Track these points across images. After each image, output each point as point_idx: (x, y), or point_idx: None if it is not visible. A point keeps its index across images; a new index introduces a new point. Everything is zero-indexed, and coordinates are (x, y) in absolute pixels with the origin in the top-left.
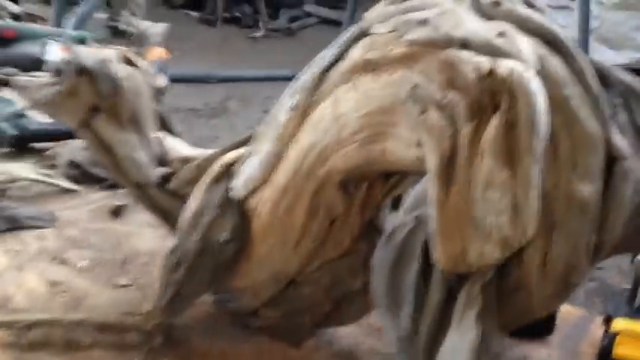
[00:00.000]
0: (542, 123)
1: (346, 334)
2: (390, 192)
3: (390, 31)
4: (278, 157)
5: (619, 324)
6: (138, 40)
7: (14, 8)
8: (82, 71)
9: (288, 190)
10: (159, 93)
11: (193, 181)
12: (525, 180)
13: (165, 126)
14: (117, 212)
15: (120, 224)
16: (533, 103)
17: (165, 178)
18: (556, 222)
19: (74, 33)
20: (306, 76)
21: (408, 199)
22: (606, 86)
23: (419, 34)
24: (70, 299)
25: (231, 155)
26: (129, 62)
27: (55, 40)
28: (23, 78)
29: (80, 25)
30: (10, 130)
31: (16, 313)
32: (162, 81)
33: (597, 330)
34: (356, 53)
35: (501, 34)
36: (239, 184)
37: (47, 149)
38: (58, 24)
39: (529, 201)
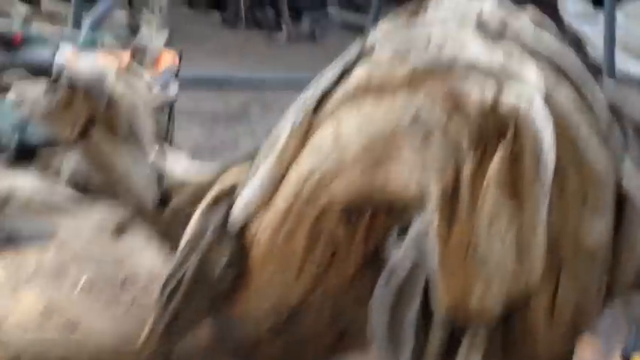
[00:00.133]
0: (548, 156)
1: None
2: (395, 222)
3: (393, 52)
4: (278, 180)
5: None
6: (137, 52)
7: (24, 11)
8: (77, 84)
9: (288, 216)
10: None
11: (193, 201)
12: (532, 215)
13: (166, 141)
14: (121, 230)
15: (122, 241)
16: (539, 135)
17: (165, 198)
18: (564, 262)
19: (85, 36)
20: (309, 95)
21: (409, 234)
22: (618, 119)
23: (422, 57)
24: (65, 322)
25: (232, 176)
26: (128, 74)
27: (65, 44)
28: (21, 87)
29: (96, 26)
30: (15, 138)
31: (8, 335)
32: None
33: None
34: (359, 74)
35: (507, 60)
36: (238, 208)
37: (52, 158)
38: (77, 23)
39: (536, 237)
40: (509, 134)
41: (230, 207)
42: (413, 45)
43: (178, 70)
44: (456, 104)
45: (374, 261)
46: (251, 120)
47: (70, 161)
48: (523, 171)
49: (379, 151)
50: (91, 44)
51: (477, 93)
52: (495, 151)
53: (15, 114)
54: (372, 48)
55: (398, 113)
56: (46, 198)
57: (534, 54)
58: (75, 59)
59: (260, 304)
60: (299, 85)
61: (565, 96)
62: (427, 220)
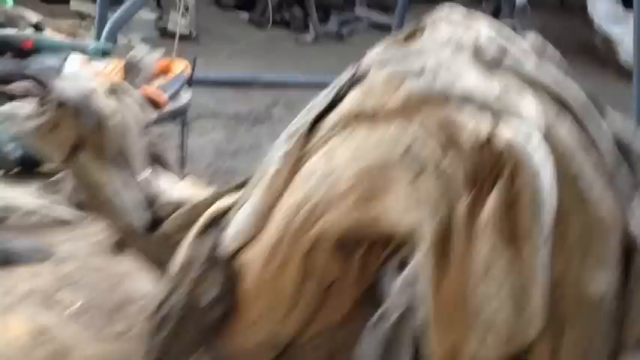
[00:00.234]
0: (546, 200)
1: None
2: (392, 256)
3: (387, 78)
4: (268, 209)
5: None
6: (131, 69)
7: (34, 18)
8: (64, 105)
9: (279, 248)
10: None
11: (184, 227)
12: (529, 265)
13: (158, 163)
14: (121, 245)
15: (119, 262)
16: (537, 178)
17: (154, 224)
18: (566, 317)
19: (96, 45)
20: (300, 121)
21: (399, 278)
22: (626, 157)
23: (416, 85)
24: (55, 349)
25: (225, 202)
26: (119, 93)
27: (75, 52)
28: (11, 105)
29: (112, 34)
30: (16, 151)
31: None
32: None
33: None
34: (351, 101)
35: (504, 92)
36: (229, 237)
37: (53, 173)
38: (102, 23)
39: (534, 289)
40: (506, 173)
41: (221, 234)
42: (408, 71)
43: (191, 78)
44: (450, 138)
45: (371, 295)
46: (274, 122)
47: (71, 178)
48: (521, 214)
49: (371, 183)
50: (103, 54)
51: (472, 127)
52: (491, 190)
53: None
54: (366, 72)
55: (391, 144)
56: (44, 215)
57: (533, 85)
58: (85, 68)
59: (252, 338)
60: (324, 87)
61: (566, 131)
62: (419, 263)
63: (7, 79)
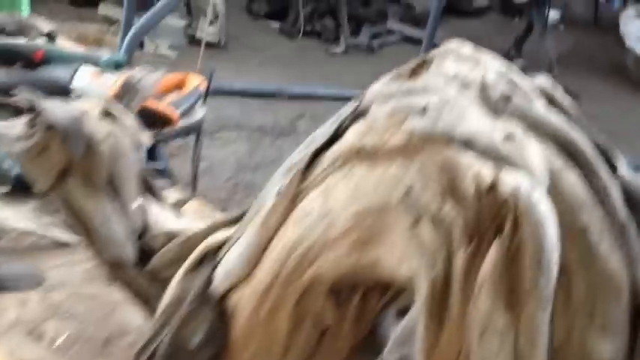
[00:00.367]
0: (551, 255)
1: None
2: (390, 304)
3: (389, 115)
4: (261, 248)
5: None
6: (128, 90)
7: (46, 27)
8: (53, 127)
9: (271, 291)
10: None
11: (175, 262)
12: (529, 327)
13: (151, 191)
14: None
15: (113, 290)
16: (541, 230)
17: (145, 256)
18: None
19: (109, 57)
20: (299, 155)
21: (397, 328)
22: (636, 213)
23: (418, 124)
24: None
25: (219, 236)
26: (112, 117)
27: (87, 64)
28: (2, 124)
29: (135, 41)
30: (13, 169)
31: None
32: (200, 112)
33: None
34: (352, 136)
35: (508, 138)
36: (220, 275)
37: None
38: (128, 29)
39: (535, 352)
40: (508, 224)
41: (213, 272)
42: (411, 108)
43: (207, 94)
44: (451, 183)
45: (369, 342)
46: (299, 135)
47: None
48: (522, 272)
49: (369, 227)
50: (116, 66)
51: (474, 173)
52: (492, 241)
53: None
54: (369, 106)
55: (390, 186)
56: (40, 237)
57: (541, 130)
58: (96, 81)
59: None
60: (350, 100)
61: (574, 181)
62: (414, 318)
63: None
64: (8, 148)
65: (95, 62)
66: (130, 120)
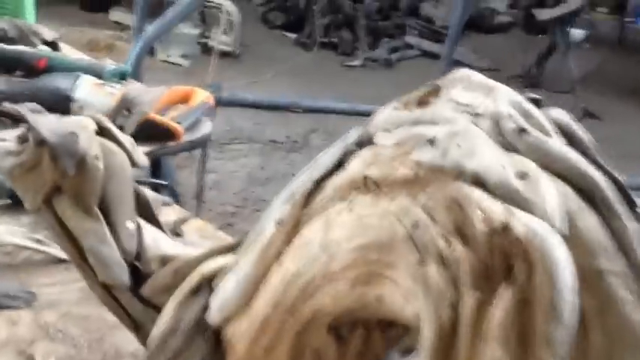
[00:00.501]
0: (566, 306)
1: None
2: (395, 342)
3: (395, 145)
4: (259, 279)
5: None
6: (125, 106)
7: (50, 35)
8: (43, 143)
9: (269, 324)
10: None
11: (170, 287)
12: None
13: (146, 212)
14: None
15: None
16: (557, 275)
17: (138, 282)
18: None
19: (114, 68)
20: (299, 184)
21: None
22: None
23: (425, 156)
24: None
25: (216, 263)
26: (107, 135)
27: (90, 74)
28: None
29: (145, 49)
30: (8, 182)
31: None
32: (206, 127)
33: None
34: (356, 165)
35: (522, 176)
36: (214, 306)
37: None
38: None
39: None
40: (521, 268)
41: (208, 300)
42: (418, 139)
43: (214, 109)
44: (459, 222)
45: None
46: (311, 150)
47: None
48: (536, 317)
49: (372, 263)
50: (120, 77)
51: (484, 211)
52: (503, 286)
53: None
54: (373, 135)
55: (394, 222)
56: (32, 254)
57: (556, 168)
58: (99, 91)
59: None
60: (366, 116)
61: (591, 226)
62: None
63: (13, 100)
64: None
65: (99, 72)
66: (125, 137)
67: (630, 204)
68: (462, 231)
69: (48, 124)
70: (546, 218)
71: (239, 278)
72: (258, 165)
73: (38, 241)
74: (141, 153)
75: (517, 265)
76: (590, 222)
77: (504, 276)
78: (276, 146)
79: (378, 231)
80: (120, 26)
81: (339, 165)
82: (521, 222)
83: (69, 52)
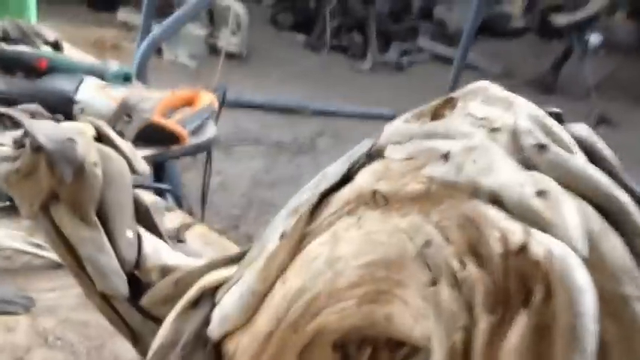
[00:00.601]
0: (587, 333)
1: None
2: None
3: (406, 159)
4: (262, 294)
5: None
6: (125, 111)
7: (52, 36)
8: (40, 150)
9: (271, 341)
10: (204, 145)
11: (170, 299)
12: None
13: (146, 220)
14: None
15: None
16: (577, 304)
17: (138, 292)
18: None
19: (117, 70)
20: (304, 197)
21: None
22: None
23: (439, 172)
24: None
25: (217, 276)
26: (105, 141)
27: (93, 75)
28: None
29: (151, 50)
30: None
31: None
32: (210, 131)
33: None
34: (365, 179)
35: (542, 194)
36: (215, 320)
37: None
38: (145, 36)
39: None
40: (538, 296)
41: (209, 314)
42: (431, 154)
43: (219, 112)
44: (474, 241)
45: None
46: (318, 153)
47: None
48: (556, 344)
49: (380, 281)
50: (124, 79)
51: (500, 233)
52: (519, 309)
53: None
54: (383, 148)
55: (404, 239)
56: (33, 257)
57: (578, 188)
58: (102, 94)
59: None
60: (374, 119)
61: (614, 248)
62: None
63: (13, 101)
64: None
65: (102, 73)
66: (125, 143)
67: None
68: (476, 251)
69: (45, 129)
70: (567, 240)
71: (241, 292)
72: (263, 167)
73: (37, 246)
74: (141, 159)
75: (535, 289)
76: (613, 244)
77: (521, 300)
78: (282, 149)
79: (387, 248)
80: (127, 26)
81: (347, 178)
82: (540, 243)
83: (71, 53)
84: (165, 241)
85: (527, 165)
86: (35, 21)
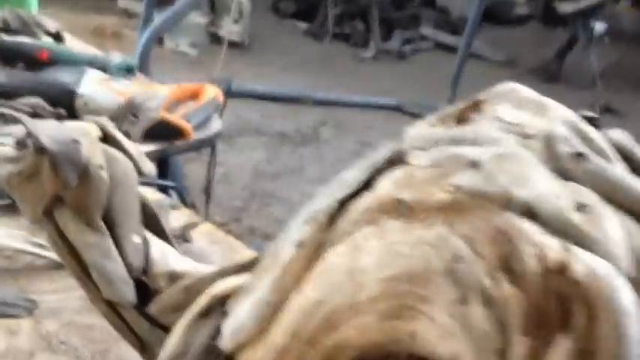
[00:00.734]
0: (636, 355)
1: None
2: None
3: (431, 167)
4: (277, 305)
5: None
6: (132, 110)
7: (53, 27)
8: (43, 151)
9: (287, 355)
10: (208, 140)
11: (179, 307)
12: None
13: (153, 225)
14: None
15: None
16: (622, 328)
17: (145, 299)
18: None
19: (120, 62)
20: (321, 203)
21: None
22: None
23: (467, 181)
24: None
25: (228, 284)
26: (111, 142)
27: (95, 67)
28: None
29: (152, 39)
30: None
31: None
32: (215, 125)
33: None
34: (386, 186)
35: (581, 207)
36: (227, 331)
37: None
38: (147, 24)
39: None
40: (580, 319)
41: (221, 324)
42: (458, 161)
43: (224, 106)
44: (507, 257)
45: None
46: (321, 144)
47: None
48: None
49: (404, 296)
50: (127, 71)
51: (536, 249)
52: (558, 333)
53: None
54: (406, 154)
55: (429, 254)
56: (35, 258)
57: (619, 201)
58: (105, 86)
59: None
60: (377, 109)
61: None
62: None
63: (14, 93)
64: None
65: (105, 66)
66: (131, 144)
67: None
68: (509, 267)
69: (48, 130)
70: (610, 257)
71: (254, 302)
72: (265, 159)
73: (39, 245)
74: (147, 160)
75: (576, 311)
76: None
77: (560, 322)
78: (284, 139)
79: (412, 261)
80: (128, 14)
81: (366, 185)
82: (582, 261)
83: (73, 44)
84: (172, 244)
85: (563, 175)
86: (36, 10)
